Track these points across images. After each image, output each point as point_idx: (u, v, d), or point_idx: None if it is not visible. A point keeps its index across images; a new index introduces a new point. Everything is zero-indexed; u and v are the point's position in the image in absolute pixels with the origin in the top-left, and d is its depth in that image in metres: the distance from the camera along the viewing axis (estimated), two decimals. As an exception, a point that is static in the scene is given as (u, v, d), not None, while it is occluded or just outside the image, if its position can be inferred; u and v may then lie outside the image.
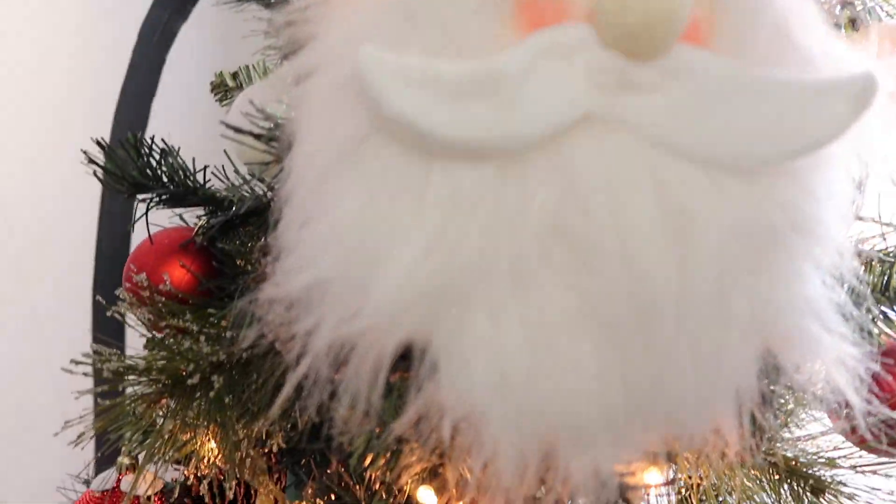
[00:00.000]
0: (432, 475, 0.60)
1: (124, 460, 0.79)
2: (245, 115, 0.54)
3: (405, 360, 0.40)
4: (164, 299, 0.60)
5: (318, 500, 0.67)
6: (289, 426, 0.61)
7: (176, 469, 0.79)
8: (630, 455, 0.39)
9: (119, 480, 0.78)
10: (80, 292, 1.34)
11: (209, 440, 0.76)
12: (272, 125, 0.50)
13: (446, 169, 0.36)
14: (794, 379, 0.42)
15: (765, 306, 0.36)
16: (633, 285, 0.35)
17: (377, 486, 0.58)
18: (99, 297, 1.17)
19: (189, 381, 0.53)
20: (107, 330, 1.31)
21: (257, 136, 0.51)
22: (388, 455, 0.44)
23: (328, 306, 0.39)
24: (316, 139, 0.41)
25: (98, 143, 0.59)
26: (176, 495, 0.73)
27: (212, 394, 0.53)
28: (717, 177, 0.35)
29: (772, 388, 0.43)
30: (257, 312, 0.55)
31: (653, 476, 0.57)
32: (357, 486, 0.57)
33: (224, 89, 0.77)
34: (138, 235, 0.67)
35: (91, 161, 0.58)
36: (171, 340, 0.60)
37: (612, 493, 0.38)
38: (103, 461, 1.24)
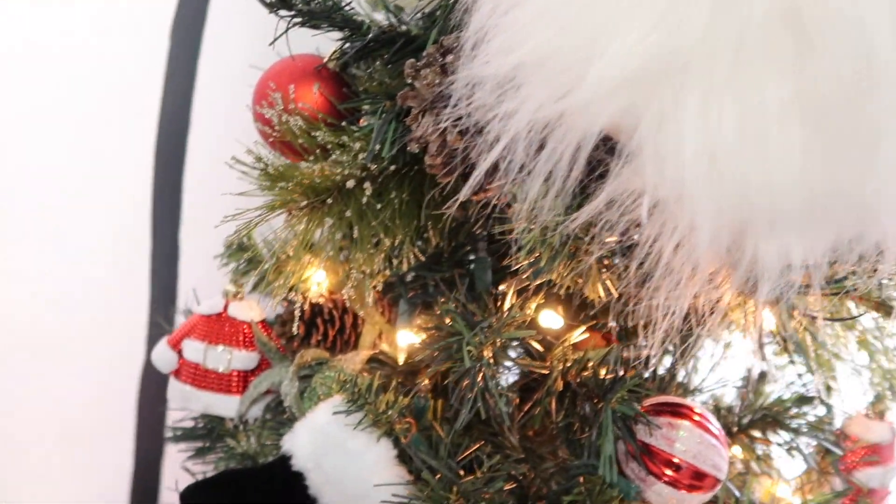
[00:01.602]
0: (559, 299, 0.63)
1: (230, 288, 0.82)
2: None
3: (600, 148, 0.42)
4: (305, 115, 0.61)
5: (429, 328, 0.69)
6: (418, 247, 0.64)
7: (283, 301, 0.82)
8: (814, 247, 0.40)
9: (226, 306, 0.81)
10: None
11: (316, 272, 0.79)
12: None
13: (676, -52, 0.37)
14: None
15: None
16: (858, 67, 0.36)
17: (501, 305, 0.60)
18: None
19: (347, 185, 0.55)
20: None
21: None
22: (560, 248, 0.46)
23: (536, 86, 0.40)
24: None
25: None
26: (287, 321, 0.76)
27: (364, 198, 0.55)
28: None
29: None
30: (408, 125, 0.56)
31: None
32: (485, 305, 0.60)
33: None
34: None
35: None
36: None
37: (794, 278, 0.40)
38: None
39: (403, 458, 0.61)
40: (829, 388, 0.67)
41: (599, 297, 0.54)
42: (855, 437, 0.74)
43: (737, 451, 0.72)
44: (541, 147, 0.42)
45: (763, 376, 0.69)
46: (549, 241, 0.46)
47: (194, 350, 0.81)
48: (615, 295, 0.57)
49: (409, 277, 0.72)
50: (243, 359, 0.80)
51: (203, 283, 0.92)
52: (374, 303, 0.75)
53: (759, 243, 0.39)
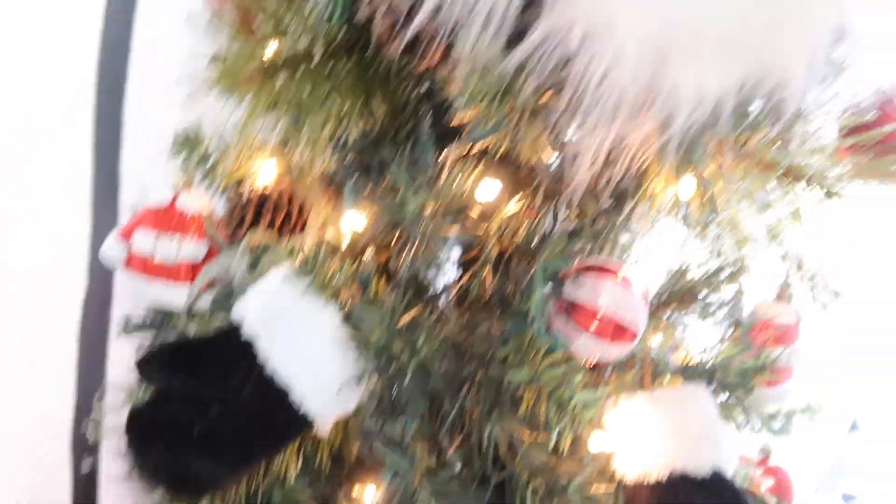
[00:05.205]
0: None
1: (179, 179, 0.83)
2: None
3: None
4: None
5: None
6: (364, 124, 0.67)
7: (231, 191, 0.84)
8: (726, 76, 0.45)
9: (175, 198, 0.83)
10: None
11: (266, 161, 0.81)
12: None
13: None
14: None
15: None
16: None
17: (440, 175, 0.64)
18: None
19: (298, 46, 0.57)
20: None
21: None
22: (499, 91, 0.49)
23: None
24: None
25: None
26: (234, 208, 0.78)
27: (316, 59, 0.58)
28: None
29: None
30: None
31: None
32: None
33: None
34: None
35: None
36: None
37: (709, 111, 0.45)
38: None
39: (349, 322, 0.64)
40: (741, 265, 0.73)
41: (535, 159, 0.59)
42: (764, 320, 0.81)
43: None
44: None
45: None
46: (488, 84, 0.49)
47: (145, 241, 0.82)
48: (547, 158, 0.62)
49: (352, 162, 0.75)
50: (192, 249, 0.82)
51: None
52: (320, 191, 0.78)
53: (678, 71, 0.44)
